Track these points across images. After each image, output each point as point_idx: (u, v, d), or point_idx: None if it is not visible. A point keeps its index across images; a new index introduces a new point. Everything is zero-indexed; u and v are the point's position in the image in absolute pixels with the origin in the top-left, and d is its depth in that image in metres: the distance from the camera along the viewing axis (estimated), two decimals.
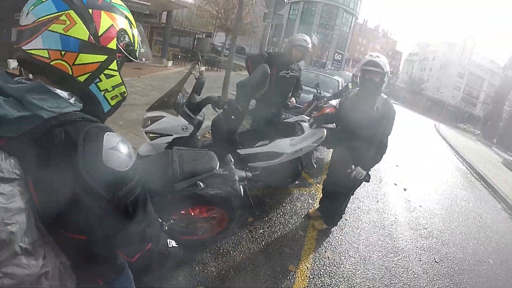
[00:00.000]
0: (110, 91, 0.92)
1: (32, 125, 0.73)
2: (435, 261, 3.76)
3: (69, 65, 0.80)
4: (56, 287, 0.77)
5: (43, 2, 0.78)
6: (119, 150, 0.79)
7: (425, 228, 4.55)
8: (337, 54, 50.15)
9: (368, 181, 3.25)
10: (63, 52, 0.78)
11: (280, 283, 2.74)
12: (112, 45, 0.86)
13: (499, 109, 41.80)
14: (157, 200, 1.97)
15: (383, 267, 3.34)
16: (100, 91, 0.89)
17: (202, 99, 3.28)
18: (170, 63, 17.26)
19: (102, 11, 0.84)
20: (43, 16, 0.77)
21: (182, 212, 2.57)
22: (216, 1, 28.51)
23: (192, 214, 2.63)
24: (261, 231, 3.41)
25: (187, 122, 3.10)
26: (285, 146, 3.73)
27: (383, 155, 3.10)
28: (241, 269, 2.79)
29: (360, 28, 61.96)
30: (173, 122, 3.05)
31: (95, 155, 0.75)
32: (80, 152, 0.73)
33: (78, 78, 0.82)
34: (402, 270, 3.37)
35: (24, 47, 0.78)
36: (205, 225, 2.77)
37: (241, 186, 2.44)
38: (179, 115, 3.08)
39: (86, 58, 0.81)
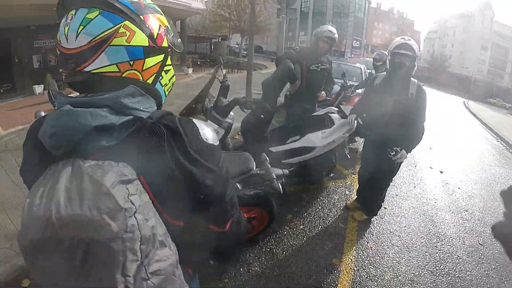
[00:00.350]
0: (167, 84, 0.99)
1: (133, 128, 0.78)
2: (479, 243, 3.68)
3: (139, 72, 0.84)
4: (181, 273, 0.83)
5: (93, 19, 0.77)
6: (208, 129, 0.91)
7: (466, 210, 4.45)
8: (355, 41, 49.30)
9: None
10: (131, 62, 0.82)
11: (325, 278, 2.80)
12: (165, 43, 0.91)
13: None
14: None
15: (427, 253, 3.32)
16: (162, 86, 0.96)
17: (229, 101, 3.36)
18: (190, 70, 17.58)
19: (149, 15, 0.88)
20: (100, 34, 0.77)
21: None
22: (227, 3, 28.66)
23: None
24: (301, 227, 3.48)
25: (217, 126, 3.19)
26: (317, 139, 3.76)
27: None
28: (285, 266, 2.87)
29: (375, 12, 60.51)
30: None
31: (197, 136, 0.85)
32: (184, 137, 0.82)
33: (147, 81, 0.88)
34: (446, 255, 3.34)
35: (86, 69, 0.78)
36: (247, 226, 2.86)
37: (279, 184, 2.51)
38: (208, 120, 3.18)
39: (150, 61, 0.87)
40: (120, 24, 0.79)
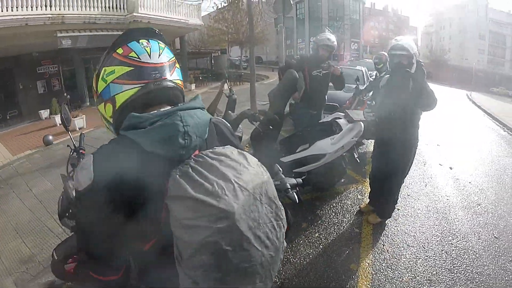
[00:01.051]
0: None
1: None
2: (495, 236, 3.70)
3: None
4: None
5: (164, 48, 1.06)
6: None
7: (479, 205, 4.48)
8: (353, 43, 49.42)
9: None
10: (182, 79, 1.12)
11: (344, 284, 2.87)
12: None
13: None
14: None
15: (443, 251, 3.37)
16: None
17: (237, 115, 3.47)
18: (193, 86, 17.86)
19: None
20: (172, 57, 1.07)
21: None
22: (224, 17, 28.96)
23: None
24: (316, 235, 3.56)
25: None
26: (327, 146, 3.85)
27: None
28: (303, 275, 2.96)
29: (370, 12, 60.68)
30: None
31: (229, 128, 1.23)
32: (226, 129, 1.20)
33: None
34: (462, 251, 3.38)
35: (170, 78, 1.03)
36: None
37: (294, 194, 2.59)
38: None
39: None
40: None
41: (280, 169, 2.75)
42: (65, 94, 13.67)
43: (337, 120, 4.21)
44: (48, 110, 12.47)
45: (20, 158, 7.79)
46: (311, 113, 4.55)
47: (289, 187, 2.59)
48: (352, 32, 50.40)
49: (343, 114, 4.34)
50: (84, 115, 10.71)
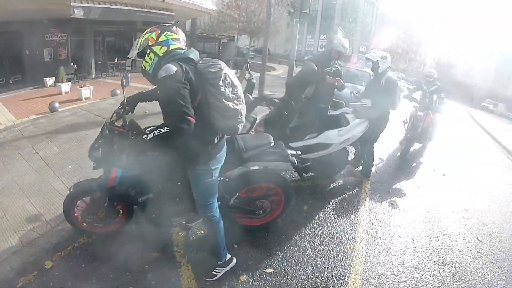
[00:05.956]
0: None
1: None
2: (478, 239, 3.97)
3: None
4: None
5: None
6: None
7: (466, 210, 4.73)
8: (362, 45, 49.50)
9: None
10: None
11: (340, 262, 3.12)
12: None
13: None
14: (229, 174, 2.87)
15: (430, 245, 3.64)
16: None
17: (256, 98, 3.70)
18: None
19: None
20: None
21: (245, 189, 3.05)
22: (237, 5, 28.92)
23: (253, 194, 3.12)
24: (316, 217, 3.83)
25: (244, 121, 3.51)
26: (334, 136, 4.10)
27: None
28: (303, 251, 3.21)
29: (383, 17, 60.68)
30: None
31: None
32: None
33: None
34: (447, 248, 3.65)
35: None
36: (265, 203, 3.19)
37: (294, 158, 2.96)
38: None
39: None
40: None
41: (282, 143, 3.04)
42: (72, 64, 13.71)
43: (345, 114, 4.44)
44: (54, 78, 12.57)
45: (24, 122, 7.77)
46: (320, 106, 4.76)
47: (289, 153, 2.91)
48: (362, 35, 50.43)
49: (351, 109, 4.56)
50: (91, 86, 10.81)
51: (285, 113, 3.77)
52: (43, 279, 2.60)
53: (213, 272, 2.68)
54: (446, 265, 3.34)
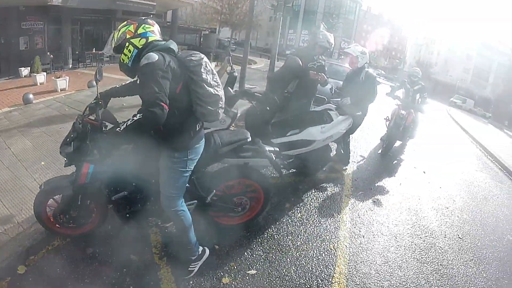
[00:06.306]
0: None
1: None
2: (459, 237, 4.02)
3: None
4: None
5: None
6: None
7: (447, 208, 4.80)
8: (343, 42, 49.84)
9: None
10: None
11: (324, 262, 3.06)
12: None
13: (511, 90, 41.31)
14: (206, 171, 2.80)
15: (412, 243, 3.64)
16: None
17: (237, 92, 3.57)
18: None
19: None
20: None
21: (222, 186, 2.95)
22: None
23: (230, 191, 3.02)
24: (299, 215, 3.75)
25: (224, 115, 3.38)
26: (317, 133, 4.02)
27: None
28: (286, 251, 3.13)
29: (365, 15, 61.30)
30: None
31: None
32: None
33: None
34: (429, 245, 3.67)
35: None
36: (243, 199, 3.10)
37: (272, 155, 2.91)
38: None
39: None
40: None
41: (260, 140, 2.96)
42: (48, 54, 13.17)
43: (328, 111, 4.37)
44: (29, 68, 11.98)
45: None
46: (303, 102, 4.67)
47: (267, 150, 2.84)
48: (344, 31, 50.84)
49: (335, 106, 4.50)
50: (68, 77, 10.39)
51: (267, 108, 3.66)
52: (16, 285, 2.42)
53: (189, 269, 2.61)
54: (429, 263, 3.34)
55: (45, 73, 11.48)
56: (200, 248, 2.68)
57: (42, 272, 2.55)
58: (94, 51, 15.55)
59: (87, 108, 2.54)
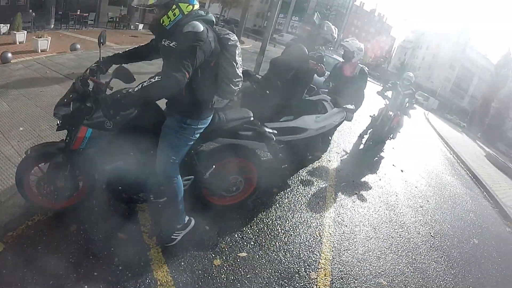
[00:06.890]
0: None
1: None
2: (431, 235, 4.24)
3: None
4: None
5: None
6: None
7: (421, 207, 5.04)
8: None
9: None
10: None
11: (311, 247, 3.17)
12: None
13: (487, 105, 42.75)
14: (207, 146, 2.87)
15: (390, 236, 3.83)
16: None
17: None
18: None
19: None
20: None
21: (220, 164, 2.97)
22: None
23: (228, 169, 3.04)
24: (286, 200, 3.84)
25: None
26: (310, 122, 4.06)
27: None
28: (275, 235, 3.20)
29: (356, 10, 61.53)
30: None
31: None
32: None
33: None
34: (405, 240, 3.86)
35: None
36: (239, 180, 3.13)
37: (272, 136, 3.02)
38: None
39: None
40: None
41: (259, 122, 3.00)
42: (30, 11, 12.41)
43: (323, 101, 4.42)
44: (8, 25, 11.14)
45: None
46: (297, 89, 4.69)
47: (266, 130, 2.96)
48: (334, 24, 50.88)
49: (330, 97, 4.55)
50: (50, 37, 9.85)
51: (267, 92, 3.66)
52: None
53: (172, 236, 2.59)
54: (404, 256, 3.53)
55: (25, 32, 10.81)
56: (186, 218, 2.67)
57: (22, 249, 2.34)
58: (78, 13, 14.79)
59: (88, 70, 2.39)
